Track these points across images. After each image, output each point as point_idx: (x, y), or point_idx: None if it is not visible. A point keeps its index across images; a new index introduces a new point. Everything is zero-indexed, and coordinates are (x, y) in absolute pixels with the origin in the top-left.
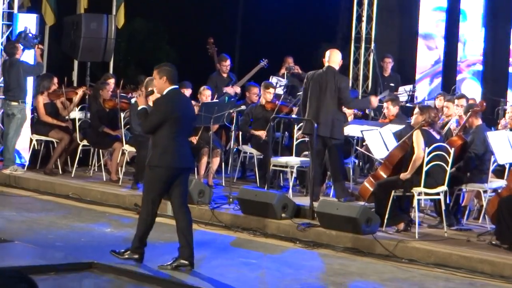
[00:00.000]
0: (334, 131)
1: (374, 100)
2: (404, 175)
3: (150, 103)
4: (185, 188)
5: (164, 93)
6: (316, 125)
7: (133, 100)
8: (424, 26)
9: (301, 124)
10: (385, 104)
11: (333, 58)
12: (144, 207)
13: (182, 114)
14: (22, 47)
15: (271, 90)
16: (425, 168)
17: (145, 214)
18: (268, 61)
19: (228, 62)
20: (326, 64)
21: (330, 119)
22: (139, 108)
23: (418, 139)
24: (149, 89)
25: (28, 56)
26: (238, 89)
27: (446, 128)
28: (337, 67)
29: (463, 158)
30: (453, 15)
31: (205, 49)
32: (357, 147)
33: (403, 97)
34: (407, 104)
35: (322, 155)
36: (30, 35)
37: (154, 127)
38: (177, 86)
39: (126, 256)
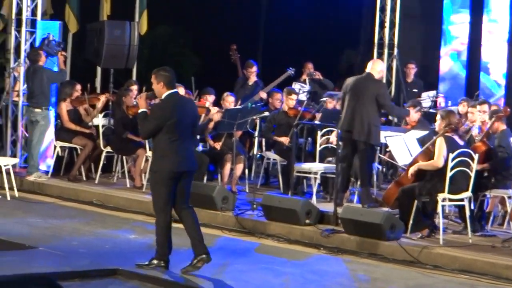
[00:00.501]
0: (371, 136)
1: (412, 112)
2: (412, 169)
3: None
4: (188, 190)
5: (162, 97)
6: (341, 131)
7: (134, 102)
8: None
9: (324, 130)
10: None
11: (374, 67)
12: (157, 216)
13: (180, 118)
14: (45, 54)
15: (294, 96)
16: (449, 174)
17: (162, 222)
18: (290, 66)
19: (254, 68)
20: (367, 71)
21: (366, 124)
22: (139, 111)
23: (440, 147)
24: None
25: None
26: (264, 95)
27: (469, 134)
28: (376, 76)
29: (488, 163)
30: (476, 19)
31: (228, 55)
32: (380, 155)
33: (426, 103)
34: (431, 110)
35: (350, 161)
36: (54, 42)
37: (151, 132)
38: (175, 90)
39: (153, 265)
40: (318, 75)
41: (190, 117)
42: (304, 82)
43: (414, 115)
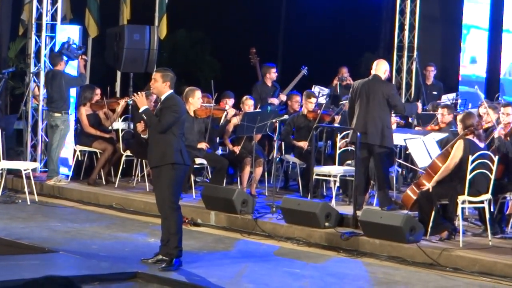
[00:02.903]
0: (384, 139)
1: (419, 105)
2: (430, 185)
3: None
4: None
5: (169, 95)
6: (359, 134)
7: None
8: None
9: (344, 133)
10: (440, 110)
11: (379, 67)
12: (172, 211)
13: (184, 116)
14: (65, 58)
15: (313, 99)
16: (468, 176)
17: (173, 214)
18: (310, 70)
19: (273, 70)
20: (373, 73)
21: (380, 127)
22: (143, 108)
23: (457, 150)
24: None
25: (72, 67)
26: (284, 97)
27: (491, 136)
28: (383, 77)
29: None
30: (496, 22)
31: (248, 59)
32: (397, 160)
33: None
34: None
35: (366, 164)
36: (74, 46)
37: (170, 126)
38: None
39: (156, 260)
40: (349, 80)
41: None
42: (335, 86)
43: (447, 117)
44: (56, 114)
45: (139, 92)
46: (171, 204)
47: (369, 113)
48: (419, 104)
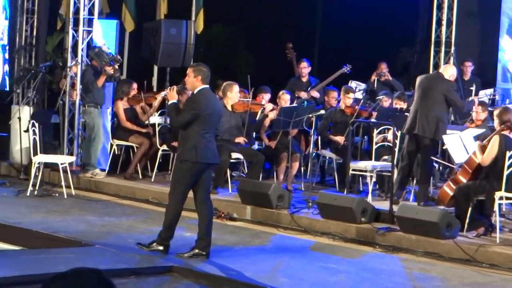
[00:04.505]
0: (437, 133)
1: (476, 100)
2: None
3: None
4: (209, 182)
5: (196, 91)
6: (410, 126)
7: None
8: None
9: (380, 128)
10: (474, 108)
11: (446, 69)
12: (172, 199)
13: (212, 112)
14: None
15: (351, 95)
16: (506, 172)
17: (173, 205)
18: (346, 65)
19: (304, 64)
20: (438, 71)
21: (433, 121)
22: (170, 102)
23: (493, 145)
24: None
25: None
26: (315, 94)
27: None
28: (446, 77)
29: None
30: None
31: (284, 53)
32: (432, 157)
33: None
34: (489, 108)
35: (413, 157)
36: (106, 54)
37: (186, 123)
38: (208, 86)
39: (153, 248)
40: (387, 76)
41: (219, 112)
42: (373, 82)
43: (482, 114)
44: (87, 109)
45: (172, 87)
46: (171, 191)
47: (424, 107)
48: (476, 100)
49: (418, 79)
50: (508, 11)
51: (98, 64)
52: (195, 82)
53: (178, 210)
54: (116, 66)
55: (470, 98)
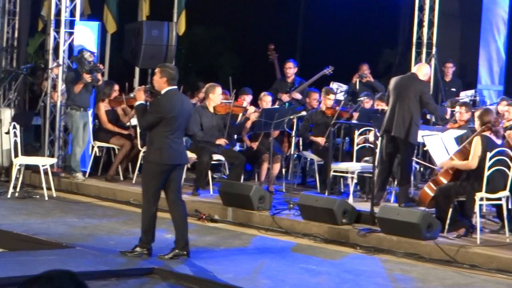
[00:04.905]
0: (410, 135)
1: (449, 110)
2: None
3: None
4: (179, 183)
5: (162, 92)
6: (387, 128)
7: (131, 95)
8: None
9: (362, 129)
10: (457, 108)
11: (420, 69)
12: (144, 202)
13: (178, 114)
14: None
15: (331, 96)
16: (486, 173)
17: (147, 208)
18: (328, 66)
19: (289, 65)
20: (412, 71)
21: (407, 123)
22: (137, 103)
23: (476, 147)
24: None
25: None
26: (297, 95)
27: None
28: (421, 77)
29: None
30: None
31: (266, 55)
32: (414, 158)
33: None
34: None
35: (392, 159)
36: (88, 63)
37: (150, 125)
38: (175, 87)
39: (136, 253)
40: (369, 77)
41: (187, 113)
42: (355, 84)
43: (465, 114)
44: (68, 111)
45: (139, 87)
46: (143, 196)
47: (399, 108)
48: (449, 110)
49: (393, 80)
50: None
51: (79, 70)
52: (161, 83)
53: (152, 212)
54: (99, 76)
55: (443, 103)
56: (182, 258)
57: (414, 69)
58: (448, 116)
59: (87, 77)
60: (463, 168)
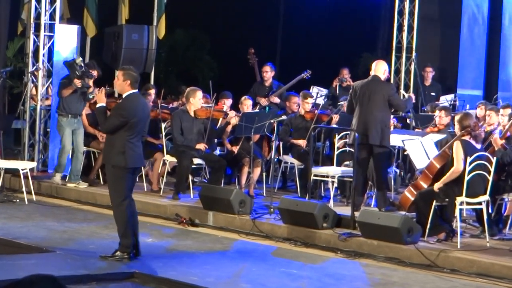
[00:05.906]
0: (384, 139)
1: (413, 96)
2: (437, 185)
3: None
4: (133, 184)
5: (124, 96)
6: (358, 135)
7: (90, 96)
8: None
9: (342, 133)
10: (437, 113)
11: (378, 68)
12: (115, 207)
13: (139, 119)
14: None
15: (310, 100)
16: (466, 178)
17: (119, 214)
18: (307, 70)
19: (267, 68)
20: (372, 73)
21: (379, 127)
22: (98, 105)
23: (457, 151)
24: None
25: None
26: (275, 99)
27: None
28: (382, 77)
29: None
30: (494, 22)
31: (246, 59)
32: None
33: None
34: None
35: (366, 164)
36: (79, 68)
37: (114, 129)
38: (137, 91)
39: (116, 258)
40: (349, 81)
41: (146, 117)
42: (335, 88)
43: (445, 118)
44: (57, 116)
45: (100, 89)
46: (113, 202)
47: (369, 113)
48: (413, 95)
49: (356, 86)
50: None
51: (70, 75)
52: (124, 86)
53: (126, 217)
54: (90, 82)
55: (407, 95)
56: (124, 260)
57: (372, 70)
58: (413, 101)
59: (77, 83)
60: (453, 176)
